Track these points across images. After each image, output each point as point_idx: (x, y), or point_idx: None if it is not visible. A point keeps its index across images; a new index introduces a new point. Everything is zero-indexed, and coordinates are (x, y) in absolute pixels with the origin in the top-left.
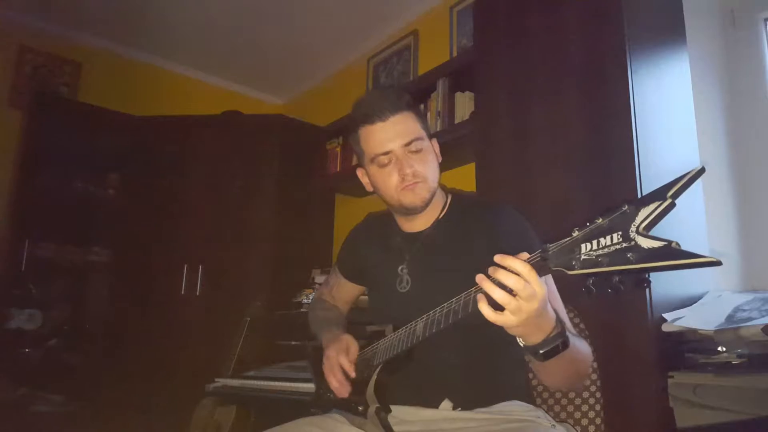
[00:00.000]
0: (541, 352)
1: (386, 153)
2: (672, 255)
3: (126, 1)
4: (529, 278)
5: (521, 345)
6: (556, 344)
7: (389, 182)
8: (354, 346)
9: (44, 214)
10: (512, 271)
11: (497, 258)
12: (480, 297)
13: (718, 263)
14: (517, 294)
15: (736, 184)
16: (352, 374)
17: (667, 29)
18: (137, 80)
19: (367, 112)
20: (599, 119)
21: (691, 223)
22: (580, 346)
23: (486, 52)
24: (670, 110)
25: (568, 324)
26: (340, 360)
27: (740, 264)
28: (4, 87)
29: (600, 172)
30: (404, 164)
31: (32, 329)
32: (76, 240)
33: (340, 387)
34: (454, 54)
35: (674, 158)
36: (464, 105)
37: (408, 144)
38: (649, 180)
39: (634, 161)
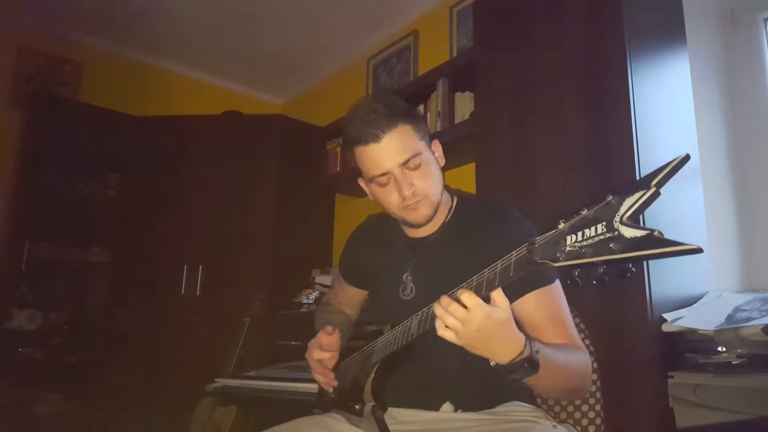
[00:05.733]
0: (509, 374)
1: (383, 174)
2: (654, 243)
3: (126, 1)
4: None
5: (492, 365)
6: (522, 368)
7: (390, 201)
8: (331, 336)
9: (44, 214)
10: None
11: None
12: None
13: (699, 250)
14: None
15: (736, 184)
16: (331, 363)
17: (667, 29)
18: (137, 80)
19: (360, 133)
20: (599, 119)
21: (691, 222)
22: (570, 361)
23: (486, 52)
24: (670, 110)
25: (575, 338)
26: (315, 356)
27: (740, 264)
28: (4, 87)
29: (600, 172)
30: (403, 185)
31: (32, 329)
32: (76, 240)
33: (324, 381)
34: (454, 54)
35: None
36: (464, 105)
37: (405, 162)
38: None
39: (634, 161)
